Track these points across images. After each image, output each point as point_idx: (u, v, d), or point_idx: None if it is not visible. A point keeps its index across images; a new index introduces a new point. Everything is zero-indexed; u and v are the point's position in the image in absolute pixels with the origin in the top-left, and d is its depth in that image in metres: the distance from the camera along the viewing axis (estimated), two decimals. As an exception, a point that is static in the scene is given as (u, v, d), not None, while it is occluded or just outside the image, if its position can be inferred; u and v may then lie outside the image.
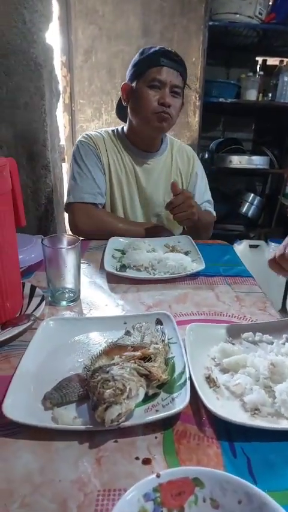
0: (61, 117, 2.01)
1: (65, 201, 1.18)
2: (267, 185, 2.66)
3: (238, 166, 2.21)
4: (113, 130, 1.23)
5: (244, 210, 2.48)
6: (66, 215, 1.25)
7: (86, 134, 1.20)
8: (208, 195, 1.32)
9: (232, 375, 0.50)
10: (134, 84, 1.11)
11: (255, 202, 2.48)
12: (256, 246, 2.28)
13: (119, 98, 1.20)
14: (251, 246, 2.27)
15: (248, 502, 0.31)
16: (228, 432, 0.43)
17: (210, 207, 1.31)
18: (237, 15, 1.98)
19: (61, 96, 1.91)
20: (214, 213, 1.32)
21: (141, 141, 1.18)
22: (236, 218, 2.50)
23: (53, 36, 1.71)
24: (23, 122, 1.21)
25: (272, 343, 0.56)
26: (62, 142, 1.93)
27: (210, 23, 1.91)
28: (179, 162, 1.27)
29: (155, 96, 1.08)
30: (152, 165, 1.21)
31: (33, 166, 1.26)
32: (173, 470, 0.33)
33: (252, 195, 2.50)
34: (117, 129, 1.23)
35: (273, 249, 2.26)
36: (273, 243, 2.27)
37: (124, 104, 1.17)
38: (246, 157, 2.22)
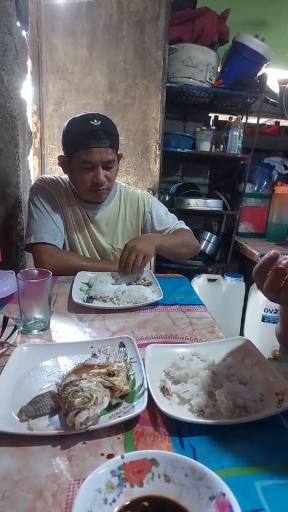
0: (31, 160, 2.13)
1: (24, 241, 1.20)
2: (222, 225, 2.91)
3: (195, 208, 2.43)
4: (66, 179, 1.28)
5: (202, 247, 2.68)
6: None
7: (42, 177, 1.26)
8: (172, 219, 1.36)
9: (182, 385, 0.60)
10: (68, 159, 1.15)
11: (212, 240, 2.69)
12: (214, 280, 2.45)
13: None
14: (209, 280, 2.43)
15: (192, 474, 0.40)
16: (178, 430, 0.52)
17: (180, 224, 1.37)
18: (191, 79, 2.28)
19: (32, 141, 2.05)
20: (186, 227, 1.37)
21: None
22: (195, 254, 2.69)
23: (25, 87, 1.87)
24: (-2, 167, 1.31)
25: (216, 358, 0.67)
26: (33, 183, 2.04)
27: (168, 85, 2.18)
28: (127, 208, 1.33)
29: (88, 175, 1.13)
30: (99, 215, 1.28)
31: (6, 207, 1.34)
32: (135, 453, 0.42)
33: (209, 233, 2.71)
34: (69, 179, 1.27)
35: (229, 283, 2.44)
36: (229, 277, 2.45)
37: (64, 172, 1.22)
38: (202, 200, 2.45)
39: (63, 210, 1.24)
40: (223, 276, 2.50)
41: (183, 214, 2.56)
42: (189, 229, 1.40)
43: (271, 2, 2.54)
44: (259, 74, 2.42)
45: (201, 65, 2.26)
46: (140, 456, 0.41)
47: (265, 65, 2.43)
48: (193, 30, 2.26)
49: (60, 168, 1.21)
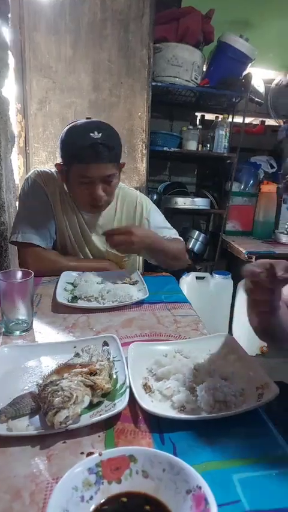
0: (16, 159, 2.11)
1: (10, 235, 1.17)
2: (210, 223, 2.92)
3: (183, 207, 2.43)
4: None
5: (191, 245, 2.69)
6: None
7: (38, 171, 1.21)
8: (169, 229, 1.34)
9: (165, 382, 0.60)
10: (66, 169, 1.10)
11: (200, 238, 2.70)
12: (202, 278, 2.47)
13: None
14: (197, 278, 2.45)
15: (170, 469, 0.40)
16: (159, 426, 0.52)
17: (175, 235, 1.34)
18: (177, 79, 2.28)
19: (16, 140, 2.03)
20: (181, 239, 1.35)
21: None
22: (183, 253, 2.69)
23: (8, 85, 1.85)
24: (-21, 166, 1.29)
25: (199, 355, 0.67)
26: (17, 182, 2.02)
27: (153, 84, 2.18)
28: (124, 210, 1.29)
29: (86, 190, 1.08)
30: (95, 217, 1.24)
31: (-12, 206, 1.33)
32: (113, 450, 0.42)
33: (197, 232, 2.72)
34: None
35: (217, 280, 2.46)
36: (217, 275, 2.47)
37: (61, 180, 1.16)
38: (189, 199, 2.46)
39: (55, 210, 1.20)
40: (211, 274, 2.51)
41: (171, 213, 2.57)
42: (184, 242, 1.36)
43: (255, 3, 2.57)
44: (244, 73, 2.44)
45: (186, 64, 2.26)
46: (118, 453, 0.41)
47: (250, 64, 2.45)
48: (178, 30, 2.26)
49: (45, 167, 1.18)
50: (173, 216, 2.68)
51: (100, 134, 1.02)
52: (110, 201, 1.16)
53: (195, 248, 2.70)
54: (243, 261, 2.33)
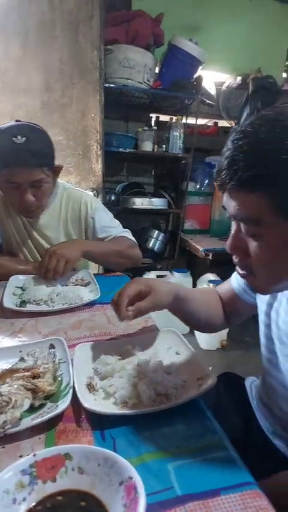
0: None
1: None
2: (169, 223, 2.98)
3: (140, 207, 2.46)
4: None
5: (151, 245, 2.72)
6: None
7: None
8: (116, 228, 1.32)
9: (109, 380, 0.61)
10: None
11: (160, 237, 2.75)
12: (163, 276, 2.51)
13: None
14: (158, 276, 2.48)
15: (104, 463, 0.41)
16: (101, 423, 0.53)
17: (124, 232, 1.32)
18: (129, 80, 2.30)
19: None
20: (130, 237, 1.31)
21: None
22: (144, 252, 2.68)
23: None
24: None
25: (144, 351, 0.69)
26: None
27: (106, 85, 2.18)
28: (68, 210, 1.26)
29: (15, 194, 1.06)
30: (40, 220, 1.21)
31: None
32: (48, 450, 0.42)
33: (156, 231, 2.76)
34: None
35: (177, 278, 2.51)
36: (177, 273, 2.52)
37: None
38: (147, 199, 2.49)
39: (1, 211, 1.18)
40: (171, 272, 2.56)
41: (130, 213, 2.59)
42: (133, 239, 1.33)
43: (203, 8, 2.65)
44: (195, 76, 2.51)
45: (138, 66, 2.29)
46: (54, 452, 0.42)
47: (200, 67, 2.52)
48: (128, 32, 2.28)
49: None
50: (133, 216, 2.70)
51: (24, 139, 0.99)
52: (42, 205, 1.14)
53: (156, 247, 2.73)
54: (201, 258, 2.40)
